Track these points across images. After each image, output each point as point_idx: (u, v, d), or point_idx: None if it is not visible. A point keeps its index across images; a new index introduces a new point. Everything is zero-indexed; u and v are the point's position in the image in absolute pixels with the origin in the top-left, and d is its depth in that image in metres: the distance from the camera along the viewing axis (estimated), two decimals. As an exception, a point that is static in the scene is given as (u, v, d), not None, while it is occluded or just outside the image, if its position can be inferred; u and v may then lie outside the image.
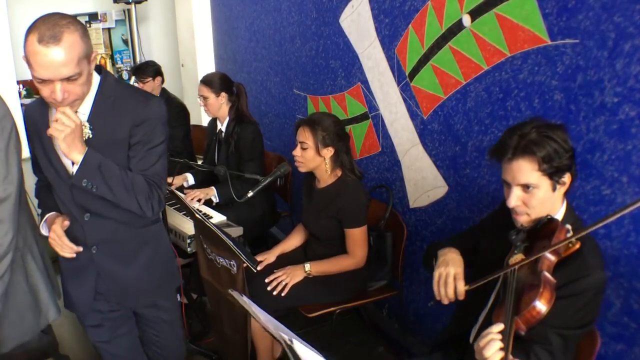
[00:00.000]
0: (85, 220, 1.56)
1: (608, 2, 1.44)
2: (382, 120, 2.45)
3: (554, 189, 1.32)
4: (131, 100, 1.50)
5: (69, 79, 1.32)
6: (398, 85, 2.30)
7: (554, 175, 1.29)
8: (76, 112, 1.42)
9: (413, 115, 2.26)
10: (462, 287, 1.41)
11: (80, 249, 1.53)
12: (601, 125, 1.51)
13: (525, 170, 1.29)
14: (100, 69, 1.52)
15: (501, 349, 1.16)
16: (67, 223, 1.54)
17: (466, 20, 1.91)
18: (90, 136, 1.45)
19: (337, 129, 2.11)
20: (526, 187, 1.31)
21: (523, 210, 1.34)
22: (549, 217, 1.33)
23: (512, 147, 1.31)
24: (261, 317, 1.37)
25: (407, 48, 2.22)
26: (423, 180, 2.26)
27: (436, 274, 1.47)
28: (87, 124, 1.45)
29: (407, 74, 2.24)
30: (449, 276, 1.44)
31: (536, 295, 1.20)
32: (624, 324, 1.52)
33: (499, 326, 1.20)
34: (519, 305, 1.23)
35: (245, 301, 1.50)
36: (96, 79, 1.49)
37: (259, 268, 2.16)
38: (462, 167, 2.05)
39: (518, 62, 1.73)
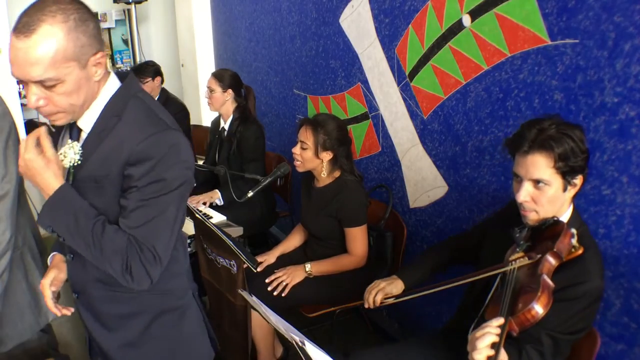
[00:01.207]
0: (68, 260, 1.28)
1: (608, 2, 1.44)
2: (382, 120, 2.45)
3: (564, 189, 1.30)
4: (133, 128, 1.10)
5: (43, 84, 1.01)
6: (398, 85, 2.30)
7: (567, 174, 1.27)
8: (80, 130, 1.16)
9: (413, 115, 2.25)
10: (378, 298, 1.69)
11: (68, 313, 1.31)
12: (601, 125, 1.51)
13: (539, 165, 1.27)
14: (124, 75, 1.19)
15: (493, 344, 1.15)
16: (62, 277, 1.32)
17: (466, 20, 1.91)
18: (78, 163, 1.12)
19: (340, 134, 2.10)
20: (537, 183, 1.29)
21: (531, 207, 1.32)
22: (555, 218, 1.32)
23: (529, 140, 1.28)
24: (272, 317, 1.37)
25: (407, 48, 2.22)
26: (423, 180, 2.26)
27: (372, 284, 1.75)
28: (76, 146, 1.13)
29: (407, 74, 2.24)
30: (376, 288, 1.72)
31: (534, 298, 1.18)
32: (624, 324, 1.52)
33: (499, 320, 1.18)
34: (514, 306, 1.21)
35: (255, 301, 1.50)
36: (113, 87, 1.15)
37: (259, 269, 2.16)
38: (462, 167, 2.04)
39: (518, 62, 1.73)
